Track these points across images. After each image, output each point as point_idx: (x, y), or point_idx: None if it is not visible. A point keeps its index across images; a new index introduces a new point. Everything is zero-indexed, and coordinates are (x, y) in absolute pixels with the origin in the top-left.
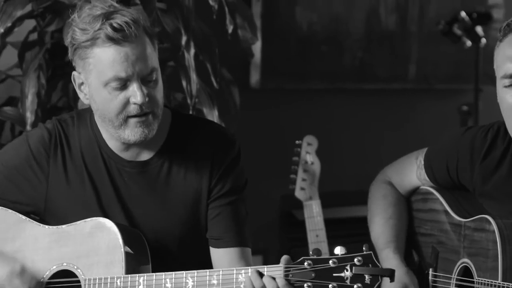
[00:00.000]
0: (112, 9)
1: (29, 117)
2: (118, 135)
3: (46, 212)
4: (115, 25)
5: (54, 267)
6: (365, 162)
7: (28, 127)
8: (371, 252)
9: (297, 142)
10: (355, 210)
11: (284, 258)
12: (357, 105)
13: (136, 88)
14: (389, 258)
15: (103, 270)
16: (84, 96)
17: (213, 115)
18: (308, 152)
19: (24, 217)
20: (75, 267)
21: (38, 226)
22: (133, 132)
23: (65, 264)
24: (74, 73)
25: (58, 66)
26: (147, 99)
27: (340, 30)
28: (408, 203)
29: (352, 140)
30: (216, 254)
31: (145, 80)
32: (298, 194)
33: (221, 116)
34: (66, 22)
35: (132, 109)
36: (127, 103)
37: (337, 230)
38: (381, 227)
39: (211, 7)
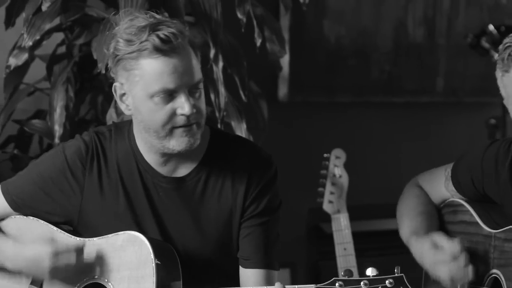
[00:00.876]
0: (157, 20)
1: (57, 130)
2: (162, 145)
3: (79, 224)
4: (162, 36)
5: (85, 279)
6: (393, 175)
7: (56, 140)
8: (402, 274)
9: (325, 155)
10: (383, 223)
11: None
12: (385, 118)
13: (184, 99)
14: (416, 240)
15: (134, 285)
16: (126, 107)
17: (241, 128)
18: (336, 165)
19: (55, 228)
20: (106, 280)
21: (69, 237)
22: (178, 141)
23: (96, 277)
24: (116, 84)
25: (86, 79)
26: (194, 111)
27: (368, 43)
28: (439, 215)
29: (380, 153)
30: (244, 273)
31: (191, 91)
32: (326, 207)
33: (249, 129)
34: (94, 35)
35: (179, 120)
36: (173, 114)
37: (365, 243)
38: (410, 222)
39: (240, 20)
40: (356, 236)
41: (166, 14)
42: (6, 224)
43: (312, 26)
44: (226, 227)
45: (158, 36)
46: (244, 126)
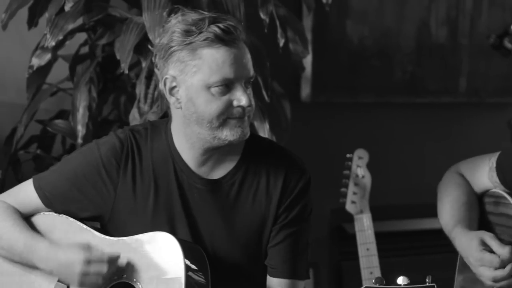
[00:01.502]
0: (215, 14)
1: (80, 130)
2: (214, 136)
3: (109, 223)
4: (223, 27)
5: (114, 278)
6: (415, 176)
7: (79, 140)
8: (434, 284)
9: (348, 155)
10: (406, 224)
11: None
12: (407, 118)
13: (242, 91)
14: (460, 233)
15: (163, 286)
16: (176, 101)
17: (264, 129)
18: (359, 166)
19: (85, 226)
20: (135, 280)
21: (99, 235)
22: (232, 131)
23: (125, 276)
24: (166, 77)
25: (109, 79)
26: (252, 103)
27: (391, 43)
28: (480, 204)
29: (402, 153)
30: (270, 282)
31: (246, 85)
32: (349, 207)
33: (272, 130)
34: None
35: (236, 111)
36: (230, 105)
37: (387, 244)
38: (450, 211)
39: (262, 21)
40: (379, 236)
41: None
42: (36, 220)
43: (335, 26)
44: (257, 233)
45: (218, 27)
46: (267, 126)
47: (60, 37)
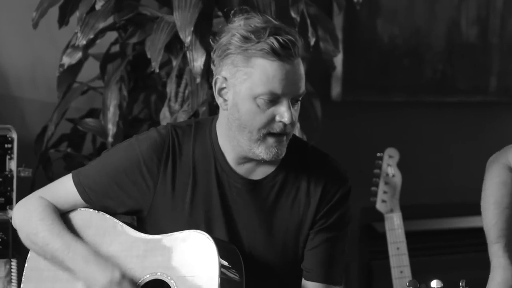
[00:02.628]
0: (276, 25)
1: (111, 128)
2: (250, 149)
3: (147, 219)
4: (281, 41)
5: (148, 275)
6: (446, 175)
7: (110, 139)
8: None
9: (378, 154)
10: (436, 223)
11: None
12: (438, 117)
13: (286, 107)
14: (498, 256)
15: (197, 284)
16: (223, 102)
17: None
18: (390, 165)
19: (120, 223)
20: (169, 277)
21: (134, 233)
22: (267, 150)
23: (159, 273)
24: (218, 77)
25: (139, 78)
26: (293, 120)
27: (421, 42)
28: None
29: (432, 152)
30: (305, 285)
31: (293, 102)
32: (380, 206)
33: (302, 129)
34: (148, 34)
35: (277, 126)
36: (272, 120)
37: (418, 243)
38: (495, 216)
39: (293, 19)
40: (409, 235)
41: (219, 13)
42: (74, 216)
43: (365, 25)
44: (294, 236)
45: (277, 40)
46: (297, 125)
47: (91, 36)
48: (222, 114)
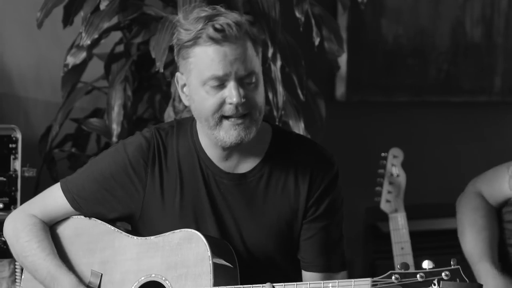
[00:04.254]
0: (216, 12)
1: (115, 128)
2: (214, 137)
3: (139, 221)
4: (217, 26)
5: (143, 278)
6: (450, 174)
7: (114, 139)
8: (459, 266)
9: (382, 154)
10: (440, 223)
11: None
12: (442, 117)
13: (233, 88)
14: (486, 271)
15: (191, 282)
16: (186, 98)
17: (299, 127)
18: (394, 165)
19: (113, 227)
20: (164, 278)
21: (126, 237)
22: (227, 134)
23: (153, 275)
24: (177, 74)
25: (144, 77)
26: (243, 100)
27: (426, 42)
28: (499, 215)
29: (437, 152)
30: (305, 275)
31: (243, 82)
32: (384, 206)
33: (307, 128)
34: (152, 34)
35: (228, 109)
36: (223, 102)
37: (422, 243)
38: (473, 240)
39: (298, 19)
40: (414, 235)
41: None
42: (66, 224)
43: (370, 25)
44: (287, 226)
45: (213, 26)
46: (302, 125)
47: (95, 36)
48: None
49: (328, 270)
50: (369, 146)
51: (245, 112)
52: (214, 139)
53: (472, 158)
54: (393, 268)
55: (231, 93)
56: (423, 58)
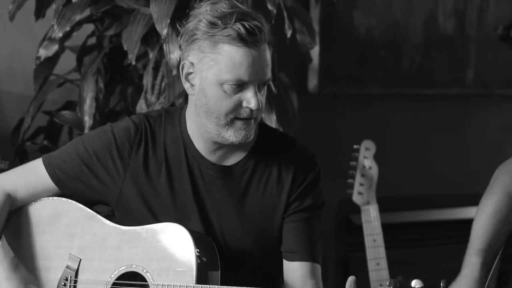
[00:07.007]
0: (243, 10)
1: (87, 121)
2: (218, 134)
3: (117, 206)
4: (248, 27)
5: (123, 267)
6: (422, 167)
7: (86, 131)
8: None
9: (355, 146)
10: (413, 215)
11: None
12: (415, 110)
13: (252, 93)
14: (473, 269)
15: (173, 277)
16: (190, 87)
17: (271, 120)
18: (366, 157)
19: (94, 213)
20: (145, 270)
21: (109, 224)
22: (236, 133)
23: (134, 266)
24: (185, 62)
25: (116, 70)
26: (260, 106)
27: (399, 35)
28: None
29: (410, 145)
30: (289, 267)
31: (259, 87)
32: (356, 198)
33: (279, 121)
34: (125, 26)
35: (244, 112)
36: (239, 105)
37: (394, 235)
38: (483, 227)
39: (270, 12)
40: (386, 227)
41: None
42: (45, 204)
43: (342, 17)
44: (268, 220)
45: (244, 26)
46: (274, 117)
47: (68, 28)
48: (190, 100)
49: (313, 260)
50: (341, 139)
51: (257, 115)
52: (215, 136)
53: (445, 150)
54: (365, 262)
55: (251, 99)
56: (396, 50)
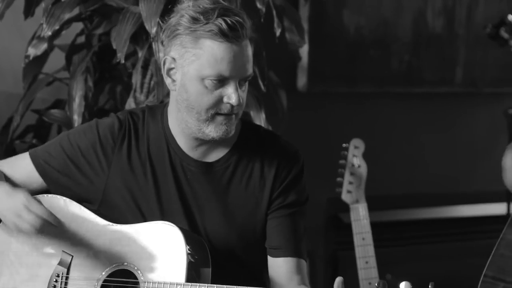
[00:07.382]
0: (225, 6)
1: (76, 119)
2: (199, 129)
3: (103, 203)
4: (229, 22)
5: (114, 265)
6: (412, 165)
7: None
8: None
9: (344, 145)
10: (401, 214)
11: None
12: (404, 108)
13: (233, 89)
14: None
15: (164, 274)
16: (172, 82)
17: (260, 118)
18: (355, 155)
19: (87, 210)
20: (136, 268)
21: (101, 221)
22: (217, 128)
23: (125, 264)
24: (166, 57)
25: (105, 69)
26: (241, 102)
27: (388, 33)
28: None
29: (399, 143)
30: (274, 263)
31: (240, 83)
32: (345, 197)
33: (268, 119)
34: (114, 25)
35: (224, 107)
36: (220, 101)
37: (383, 234)
38: None
39: (259, 10)
40: (375, 226)
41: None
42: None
43: (331, 16)
44: (251, 216)
45: (225, 21)
46: (263, 116)
47: (57, 27)
48: (172, 96)
49: (299, 255)
50: (331, 137)
51: (237, 111)
52: (196, 132)
53: (434, 149)
54: (354, 260)
55: (231, 95)
56: (385, 49)
